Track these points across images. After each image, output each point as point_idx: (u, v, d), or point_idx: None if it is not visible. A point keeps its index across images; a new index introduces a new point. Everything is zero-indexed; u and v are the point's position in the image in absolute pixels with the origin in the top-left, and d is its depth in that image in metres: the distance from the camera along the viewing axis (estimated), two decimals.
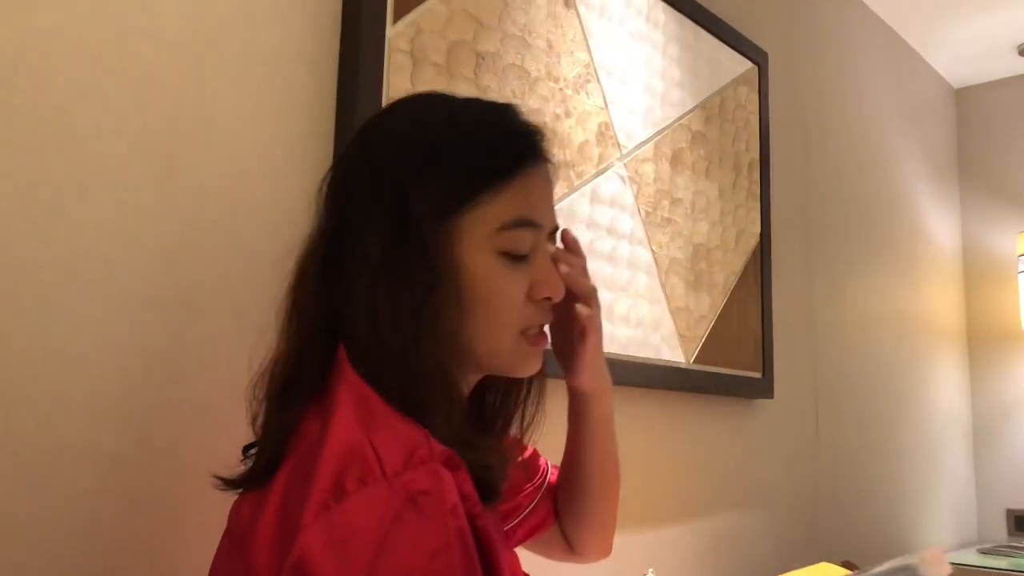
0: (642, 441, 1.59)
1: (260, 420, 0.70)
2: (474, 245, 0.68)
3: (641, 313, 1.56)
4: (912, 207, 2.74)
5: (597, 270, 1.47)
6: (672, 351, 1.63)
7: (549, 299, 0.73)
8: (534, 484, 0.91)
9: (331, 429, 0.61)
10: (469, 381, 0.73)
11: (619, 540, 1.51)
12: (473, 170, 0.68)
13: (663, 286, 1.62)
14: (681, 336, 1.65)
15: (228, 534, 0.68)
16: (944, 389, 2.79)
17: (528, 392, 0.79)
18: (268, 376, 0.70)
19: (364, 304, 0.65)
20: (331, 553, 0.55)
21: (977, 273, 2.96)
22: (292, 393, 0.67)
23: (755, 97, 1.95)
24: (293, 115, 1.04)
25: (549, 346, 0.82)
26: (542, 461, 0.94)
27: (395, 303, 0.65)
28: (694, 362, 1.67)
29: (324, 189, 0.72)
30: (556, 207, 1.41)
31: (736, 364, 1.79)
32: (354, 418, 0.62)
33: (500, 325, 0.70)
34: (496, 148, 0.70)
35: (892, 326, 2.54)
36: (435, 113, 0.72)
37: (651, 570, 1.42)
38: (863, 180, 2.49)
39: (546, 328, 0.76)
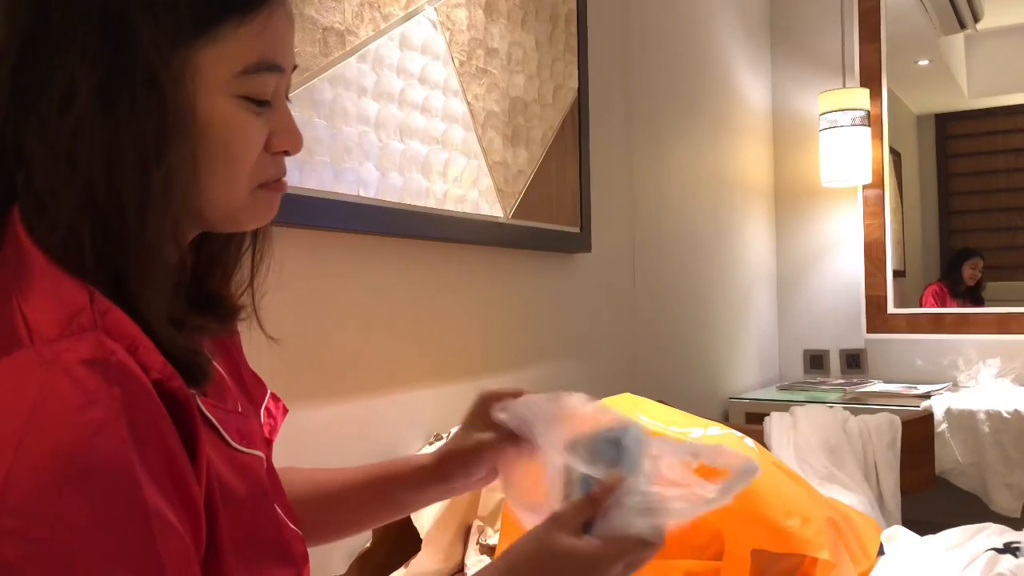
0: (462, 296, 1.60)
1: None
2: (210, 87, 0.58)
3: (458, 167, 1.54)
4: (727, 69, 2.82)
5: (409, 120, 1.42)
6: (491, 206, 1.63)
7: (287, 152, 0.65)
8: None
9: None
10: (186, 241, 0.64)
11: (441, 390, 1.54)
12: None
13: (480, 140, 1.60)
14: (499, 191, 1.65)
15: None
16: (753, 241, 2.98)
17: (254, 238, 0.71)
18: None
19: (64, 155, 0.54)
20: None
21: (784, 133, 3.13)
22: None
23: None
24: None
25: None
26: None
27: (113, 157, 0.54)
28: (512, 217, 1.68)
29: None
30: (362, 51, 1.34)
31: (554, 219, 1.82)
32: (4, 281, 0.53)
33: (236, 179, 0.61)
34: None
35: (707, 183, 2.66)
36: None
37: None
38: (681, 41, 2.54)
39: (285, 178, 0.67)
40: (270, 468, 0.70)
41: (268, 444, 0.76)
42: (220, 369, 0.69)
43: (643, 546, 0.69)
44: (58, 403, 0.48)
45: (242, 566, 0.59)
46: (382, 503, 0.87)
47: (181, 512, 0.52)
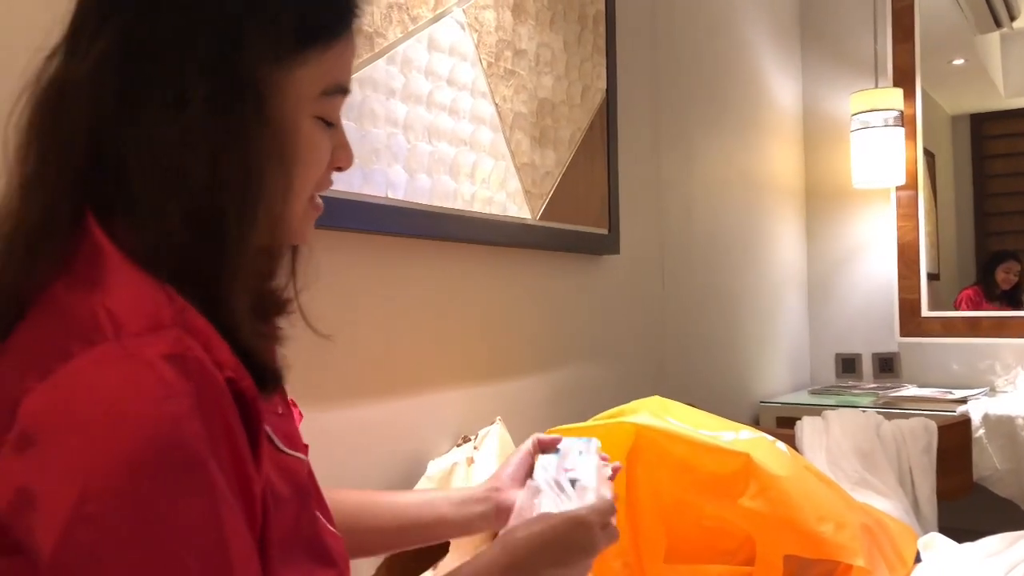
0: (490, 298, 1.60)
1: None
2: (299, 104, 0.61)
3: (485, 169, 1.53)
4: (756, 69, 2.79)
5: (437, 122, 1.42)
6: (518, 208, 1.62)
7: (339, 168, 0.69)
8: None
9: (57, 293, 0.54)
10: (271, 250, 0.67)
11: (468, 392, 1.54)
12: (310, 17, 0.61)
13: (508, 141, 1.59)
14: (527, 192, 1.64)
15: None
16: (783, 243, 2.95)
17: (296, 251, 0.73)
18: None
19: (169, 162, 0.55)
20: (59, 418, 0.49)
21: (815, 133, 3.09)
22: (38, 256, 0.55)
23: None
24: None
25: None
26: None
27: (220, 165, 0.56)
28: (540, 219, 1.67)
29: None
30: (390, 53, 1.34)
31: (582, 220, 1.81)
32: (84, 279, 0.54)
33: (304, 193, 0.65)
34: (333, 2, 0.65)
35: (736, 184, 2.63)
36: None
37: (499, 418, 1.45)
38: (710, 41, 2.51)
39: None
40: (309, 471, 0.71)
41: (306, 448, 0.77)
42: None
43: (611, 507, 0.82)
44: (140, 395, 0.49)
45: (286, 566, 0.60)
46: (427, 539, 0.98)
47: (244, 507, 0.53)
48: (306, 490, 0.66)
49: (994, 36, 3.65)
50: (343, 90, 0.65)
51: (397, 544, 0.98)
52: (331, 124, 0.65)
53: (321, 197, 0.70)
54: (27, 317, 0.55)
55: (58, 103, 0.57)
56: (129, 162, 0.56)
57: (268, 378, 0.60)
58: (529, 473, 0.95)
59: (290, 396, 0.78)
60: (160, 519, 0.48)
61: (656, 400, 1.32)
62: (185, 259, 0.56)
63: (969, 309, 3.29)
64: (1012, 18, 3.49)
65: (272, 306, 0.70)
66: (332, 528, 0.70)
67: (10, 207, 0.58)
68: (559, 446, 0.97)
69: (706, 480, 1.17)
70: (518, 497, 0.90)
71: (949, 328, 2.88)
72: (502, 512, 0.93)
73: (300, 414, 0.81)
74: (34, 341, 0.53)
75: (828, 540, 1.04)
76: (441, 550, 1.28)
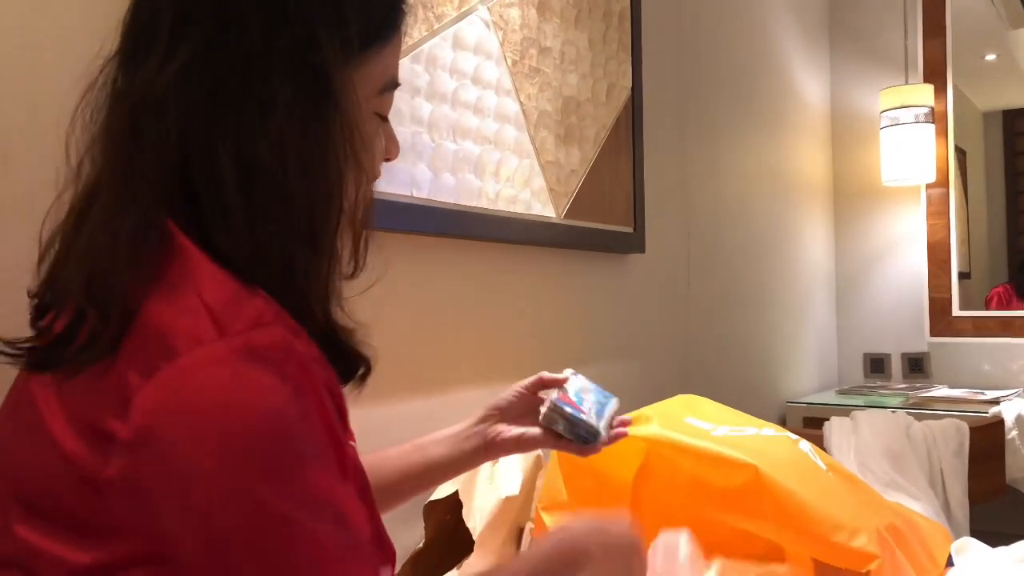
0: (514, 297, 1.59)
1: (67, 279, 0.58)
2: (363, 102, 0.64)
3: (510, 167, 1.53)
4: (784, 65, 2.76)
5: (461, 120, 1.42)
6: (543, 206, 1.61)
7: (388, 159, 0.73)
8: None
9: (154, 298, 0.54)
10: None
11: (493, 391, 1.53)
12: (372, 18, 0.64)
13: (532, 139, 1.59)
14: (552, 191, 1.64)
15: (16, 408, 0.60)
16: (811, 242, 2.91)
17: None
18: (79, 231, 0.58)
19: (259, 164, 0.56)
20: (173, 418, 0.50)
21: (844, 131, 3.06)
22: (141, 266, 0.55)
23: None
24: None
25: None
26: None
27: (308, 161, 0.58)
28: (565, 217, 1.67)
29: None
30: (415, 51, 1.34)
31: (607, 219, 1.80)
32: (177, 281, 0.55)
33: (368, 186, 0.68)
34: (388, 1, 0.68)
35: (764, 182, 2.61)
36: None
37: None
38: (737, 38, 2.49)
39: None
40: None
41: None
42: None
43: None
44: (249, 390, 0.51)
45: None
46: (429, 485, 1.04)
47: (354, 484, 0.58)
48: (368, 479, 0.68)
49: None
50: (396, 86, 0.68)
51: (408, 496, 1.02)
52: (384, 119, 0.69)
53: None
54: (133, 327, 0.54)
55: (142, 113, 0.57)
56: (220, 167, 0.56)
57: (363, 365, 0.65)
58: (525, 409, 0.98)
59: None
60: (288, 501, 0.50)
61: (680, 399, 1.31)
62: (280, 256, 0.58)
63: (1000, 307, 3.23)
64: None
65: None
66: None
67: (96, 219, 0.57)
68: (566, 386, 0.99)
69: (717, 495, 1.16)
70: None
71: (980, 328, 2.84)
72: (494, 445, 0.97)
73: None
74: (137, 345, 0.53)
75: (844, 549, 1.02)
76: (466, 549, 1.28)
